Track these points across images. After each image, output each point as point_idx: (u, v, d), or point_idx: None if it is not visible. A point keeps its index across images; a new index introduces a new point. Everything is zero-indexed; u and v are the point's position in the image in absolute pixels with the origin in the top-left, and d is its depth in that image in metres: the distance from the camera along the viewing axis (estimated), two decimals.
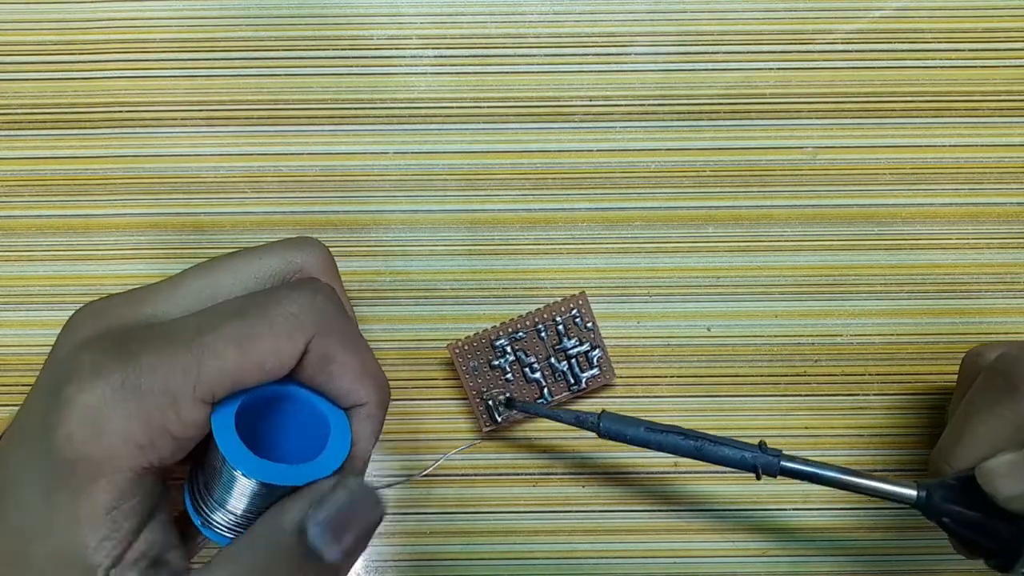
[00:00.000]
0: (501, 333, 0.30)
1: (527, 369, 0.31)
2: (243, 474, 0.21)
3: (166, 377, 0.20)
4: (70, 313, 0.32)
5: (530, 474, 0.32)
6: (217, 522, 0.22)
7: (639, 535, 0.32)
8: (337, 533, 0.20)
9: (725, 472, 0.32)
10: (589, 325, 0.31)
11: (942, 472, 0.27)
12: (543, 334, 0.31)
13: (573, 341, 0.31)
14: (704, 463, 0.27)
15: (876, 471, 0.32)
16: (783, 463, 0.26)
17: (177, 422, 0.20)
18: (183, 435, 0.20)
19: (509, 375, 0.31)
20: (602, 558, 0.32)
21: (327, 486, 0.21)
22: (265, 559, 0.20)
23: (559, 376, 0.31)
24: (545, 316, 0.30)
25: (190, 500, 0.22)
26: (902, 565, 0.33)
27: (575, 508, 0.32)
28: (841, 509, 0.32)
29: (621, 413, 0.27)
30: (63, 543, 0.20)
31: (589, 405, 0.32)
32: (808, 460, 0.26)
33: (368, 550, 0.32)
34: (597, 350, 0.31)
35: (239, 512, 0.22)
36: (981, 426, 0.26)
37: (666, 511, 0.32)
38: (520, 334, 0.30)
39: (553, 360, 0.31)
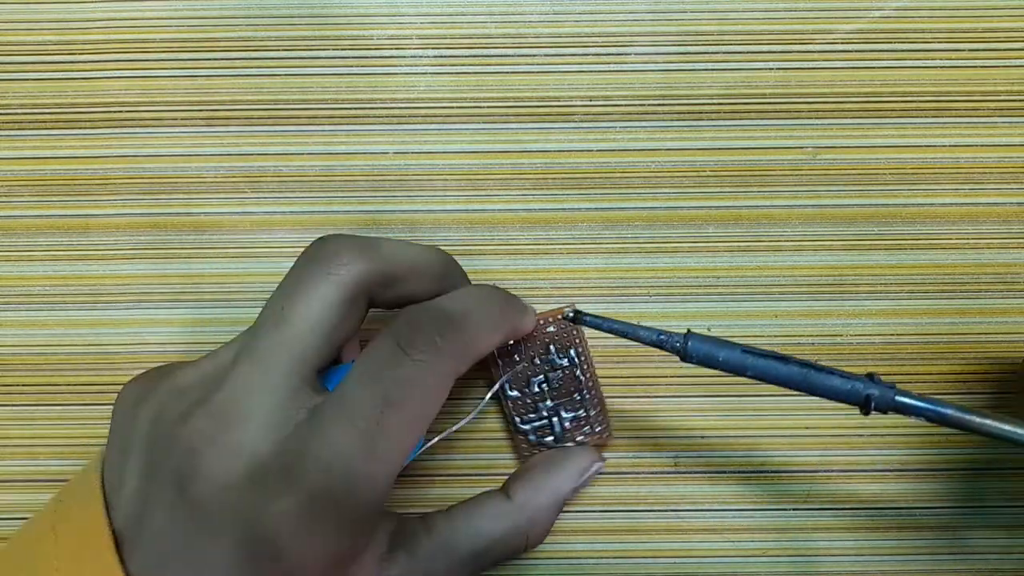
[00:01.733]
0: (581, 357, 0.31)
1: (544, 384, 0.31)
2: None
3: (367, 493, 0.23)
4: (70, 313, 0.32)
5: None
6: None
7: (638, 535, 0.32)
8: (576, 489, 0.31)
9: (724, 470, 0.32)
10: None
11: None
12: (577, 386, 0.31)
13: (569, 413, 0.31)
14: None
15: (877, 470, 0.32)
16: (898, 397, 0.23)
17: (379, 507, 0.24)
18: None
19: (532, 373, 0.31)
20: (601, 558, 0.32)
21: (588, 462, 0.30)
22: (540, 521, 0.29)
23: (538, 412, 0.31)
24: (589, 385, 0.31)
25: None
26: (902, 565, 0.33)
27: (575, 508, 0.32)
28: (840, 509, 0.32)
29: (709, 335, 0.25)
30: None
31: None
32: (923, 396, 0.23)
33: None
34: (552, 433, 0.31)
35: None
36: None
37: (666, 511, 0.32)
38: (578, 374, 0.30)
39: (550, 400, 0.31)
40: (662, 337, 0.24)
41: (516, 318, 0.28)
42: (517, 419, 0.31)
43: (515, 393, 0.31)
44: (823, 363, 0.24)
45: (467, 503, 0.29)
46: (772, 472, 0.32)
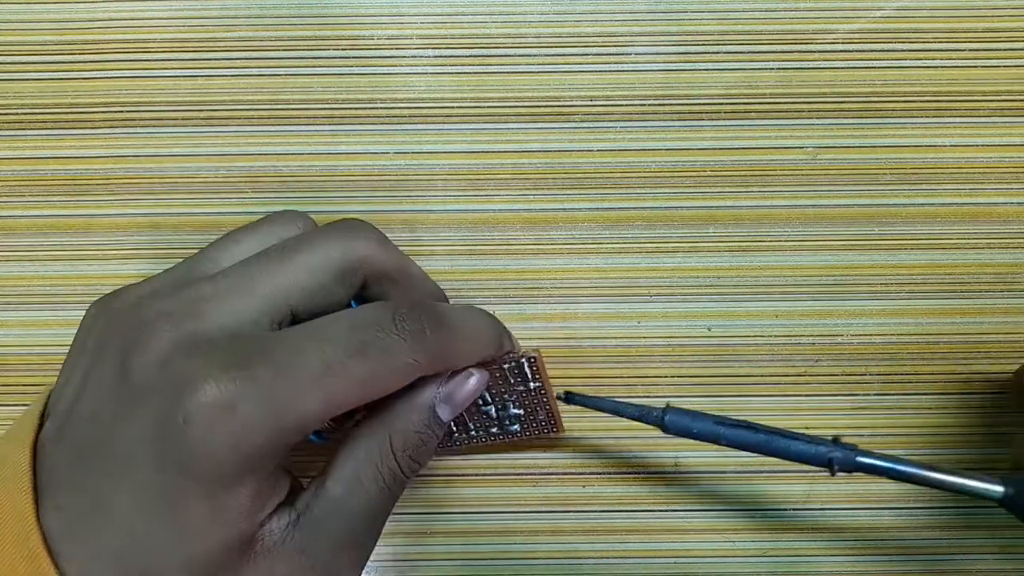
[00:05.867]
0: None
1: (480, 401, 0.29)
2: None
3: (298, 411, 0.21)
4: (70, 313, 0.32)
5: (531, 474, 0.32)
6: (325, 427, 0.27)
7: (639, 535, 0.32)
8: (452, 403, 0.26)
9: (725, 471, 0.32)
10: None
11: None
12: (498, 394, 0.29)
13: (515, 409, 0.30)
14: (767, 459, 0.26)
15: None
16: (859, 458, 0.25)
17: (299, 436, 0.22)
18: (301, 440, 0.22)
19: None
20: (602, 558, 0.32)
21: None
22: (405, 425, 0.25)
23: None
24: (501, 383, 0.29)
25: None
26: (902, 565, 0.33)
27: (575, 508, 0.32)
28: (841, 509, 0.32)
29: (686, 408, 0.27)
30: (211, 541, 0.21)
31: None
32: (884, 455, 0.25)
33: None
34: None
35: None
36: None
37: (666, 511, 0.32)
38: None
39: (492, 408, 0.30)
40: (644, 412, 0.27)
41: (499, 347, 0.27)
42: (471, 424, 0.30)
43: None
44: (790, 429, 0.26)
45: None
46: (772, 472, 0.32)
